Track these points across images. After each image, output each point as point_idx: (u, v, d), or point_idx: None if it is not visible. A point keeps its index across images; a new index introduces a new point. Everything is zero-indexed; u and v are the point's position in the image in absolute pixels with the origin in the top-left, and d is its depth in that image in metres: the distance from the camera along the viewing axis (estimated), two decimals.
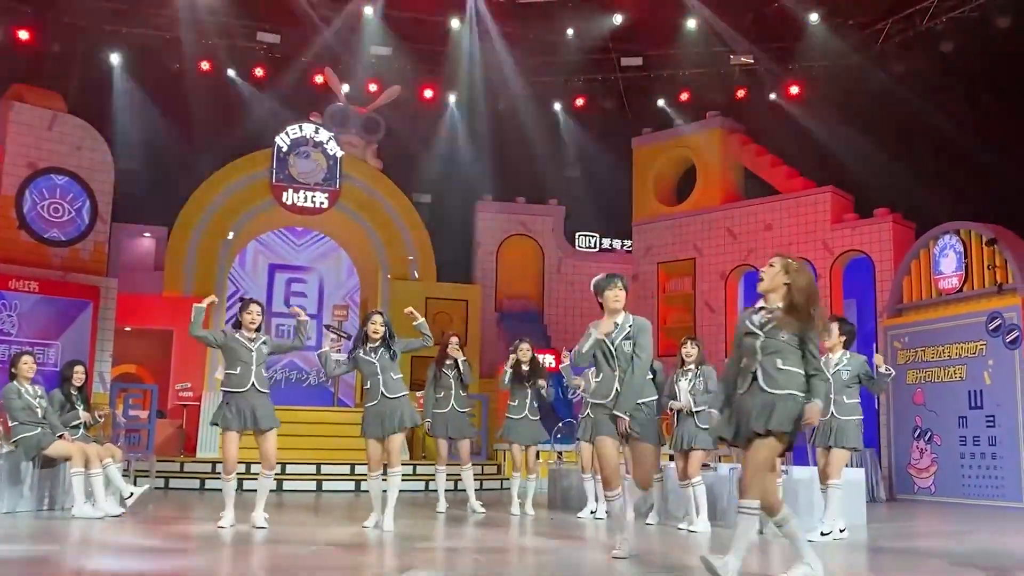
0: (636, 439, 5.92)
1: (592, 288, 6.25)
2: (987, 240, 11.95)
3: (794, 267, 5.10)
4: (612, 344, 5.96)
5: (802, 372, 4.93)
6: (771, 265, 5.15)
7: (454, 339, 9.79)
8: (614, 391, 5.89)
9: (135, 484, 10.50)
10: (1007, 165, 12.49)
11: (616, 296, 6.02)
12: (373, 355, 7.76)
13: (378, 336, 7.81)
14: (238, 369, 7.48)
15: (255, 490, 7.63)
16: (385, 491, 7.75)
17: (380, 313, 8.01)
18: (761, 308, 5.11)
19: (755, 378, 4.93)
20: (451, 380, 9.57)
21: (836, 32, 16.10)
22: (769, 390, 4.88)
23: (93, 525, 7.54)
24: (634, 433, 5.88)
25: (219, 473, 7.73)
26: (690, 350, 8.12)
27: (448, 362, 9.62)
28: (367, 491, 12.22)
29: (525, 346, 9.50)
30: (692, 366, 8.08)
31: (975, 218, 12.35)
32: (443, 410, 9.52)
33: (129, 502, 8.28)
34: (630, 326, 5.99)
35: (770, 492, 4.86)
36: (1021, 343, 11.33)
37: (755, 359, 4.95)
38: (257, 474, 7.72)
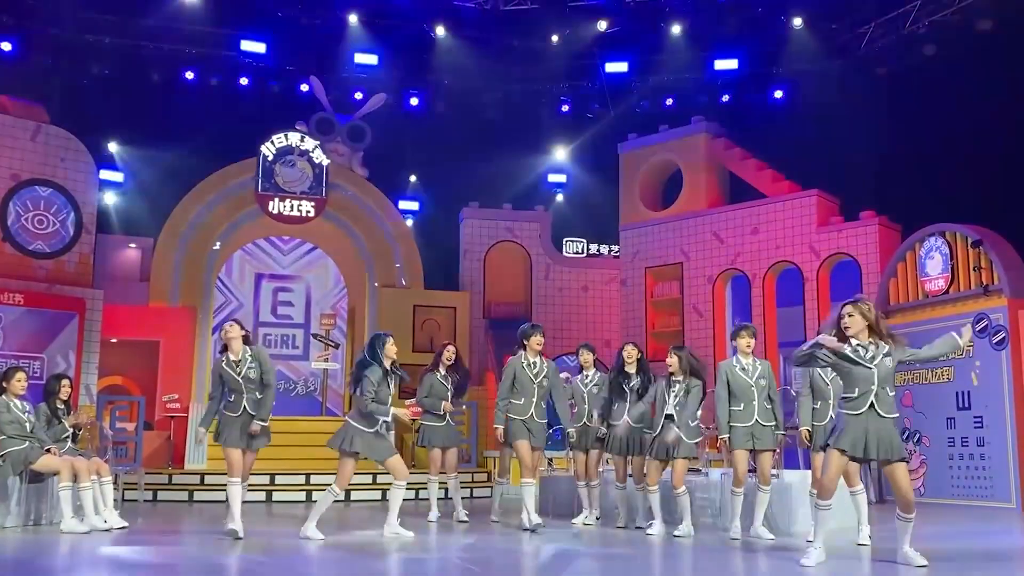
0: (535, 446, 8.31)
1: (519, 333, 8.44)
2: (973, 242, 12.00)
3: (865, 308, 6.08)
4: (535, 378, 8.26)
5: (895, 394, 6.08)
6: (850, 315, 6.08)
7: (451, 348, 9.75)
8: (531, 413, 8.25)
9: (123, 498, 10.48)
10: (992, 166, 12.58)
11: (539, 342, 8.36)
12: (391, 380, 7.75)
13: (394, 357, 7.82)
14: (232, 397, 7.55)
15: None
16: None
17: (391, 335, 8.03)
18: (858, 345, 6.05)
19: (873, 405, 5.96)
20: (447, 391, 9.53)
21: (819, 37, 16.22)
22: (885, 415, 5.95)
23: (82, 540, 7.48)
24: (534, 441, 8.29)
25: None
26: (670, 359, 8.15)
27: (443, 372, 9.59)
28: (357, 501, 12.28)
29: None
30: (680, 377, 8.09)
31: (960, 220, 12.40)
32: (439, 423, 9.49)
33: (102, 524, 8.13)
34: (546, 366, 8.40)
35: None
36: (1007, 344, 11.39)
37: (871, 388, 5.97)
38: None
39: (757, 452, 7.81)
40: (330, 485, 7.65)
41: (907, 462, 6.06)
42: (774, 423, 7.83)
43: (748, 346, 7.91)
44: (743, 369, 7.85)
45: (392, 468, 7.72)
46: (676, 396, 7.99)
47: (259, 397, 7.53)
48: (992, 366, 11.54)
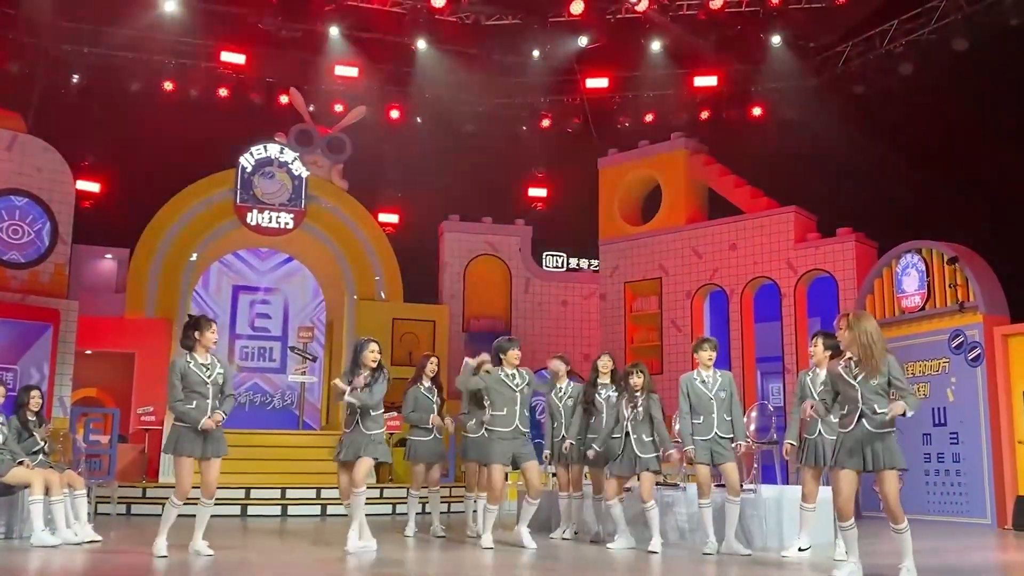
0: (528, 458, 8.07)
1: (495, 347, 8.25)
2: (948, 259, 12.10)
3: (853, 320, 6.16)
4: (516, 389, 8.07)
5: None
6: (839, 329, 6.23)
7: (433, 360, 9.64)
8: (515, 424, 8.06)
9: (96, 512, 10.36)
10: (967, 184, 12.70)
11: (517, 355, 8.20)
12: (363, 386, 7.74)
13: (374, 364, 7.79)
14: (194, 403, 7.13)
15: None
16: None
17: (376, 341, 7.97)
18: (849, 358, 6.15)
19: (860, 420, 6.02)
20: (432, 405, 9.44)
21: (797, 55, 16.36)
22: (873, 429, 5.98)
23: (53, 554, 7.37)
24: (527, 455, 8.09)
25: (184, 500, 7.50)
26: (635, 379, 8.15)
27: (427, 384, 9.49)
28: (334, 515, 12.18)
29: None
30: (640, 393, 8.10)
31: (936, 237, 12.51)
32: (427, 437, 9.39)
33: (74, 538, 8.02)
34: (526, 374, 8.22)
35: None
36: (983, 360, 11.48)
37: (857, 407, 6.05)
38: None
39: (720, 465, 7.82)
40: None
41: (903, 470, 6.08)
42: (732, 435, 7.84)
43: (709, 359, 7.96)
44: (703, 382, 7.91)
45: (354, 472, 7.74)
46: (635, 412, 8.01)
47: (219, 406, 7.28)
48: (967, 383, 11.63)
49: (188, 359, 7.23)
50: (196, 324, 7.35)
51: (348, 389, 7.70)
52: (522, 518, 8.24)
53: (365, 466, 7.71)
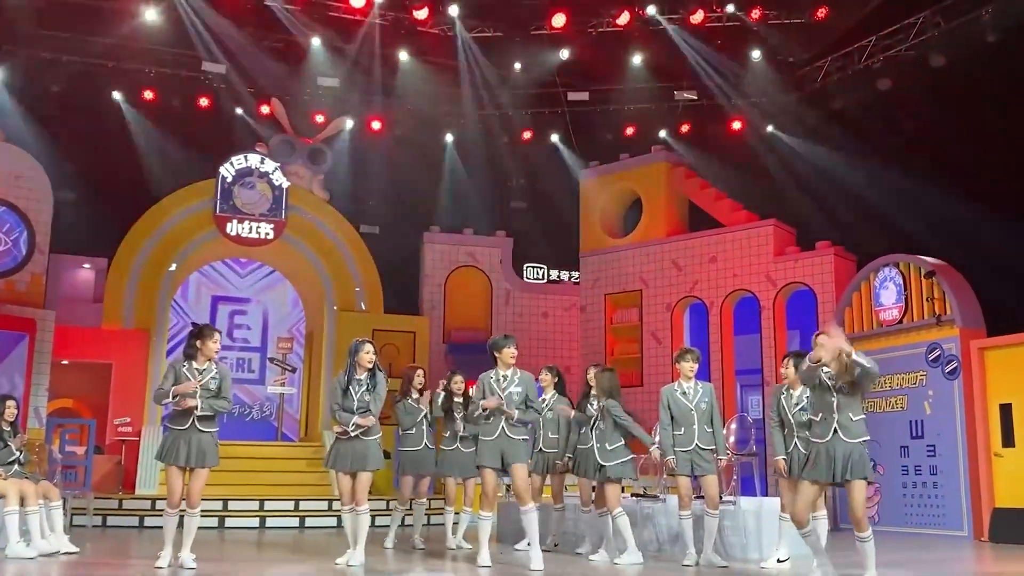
0: (515, 459, 7.37)
1: (489, 345, 7.63)
2: (926, 273, 12.21)
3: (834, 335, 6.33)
4: (503, 392, 7.40)
5: (864, 417, 6.26)
6: (819, 345, 6.35)
7: (420, 372, 9.57)
8: (500, 429, 7.37)
9: (71, 523, 10.25)
10: (944, 199, 12.81)
11: (512, 353, 7.54)
12: (356, 388, 7.51)
13: (370, 365, 7.56)
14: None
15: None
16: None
17: (371, 342, 7.72)
18: (827, 371, 6.27)
19: (836, 430, 6.16)
20: (422, 416, 9.38)
21: (777, 69, 16.49)
22: (848, 440, 6.13)
23: (28, 565, 7.27)
24: (516, 459, 7.39)
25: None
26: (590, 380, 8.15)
27: (417, 396, 9.42)
28: (313, 527, 12.12)
29: (458, 378, 9.46)
30: (604, 399, 8.05)
31: (914, 251, 12.63)
32: (416, 448, 9.33)
33: (48, 549, 7.92)
34: (518, 378, 7.49)
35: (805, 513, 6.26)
36: (959, 374, 11.57)
37: (833, 415, 6.19)
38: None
39: (700, 476, 7.80)
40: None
41: (869, 482, 6.19)
42: (713, 447, 7.83)
43: (691, 370, 7.93)
44: (683, 393, 7.87)
45: (355, 488, 7.49)
46: (599, 421, 7.99)
47: (210, 413, 7.21)
48: (944, 395, 11.71)
49: (185, 363, 7.18)
50: (199, 333, 7.26)
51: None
52: (531, 538, 7.43)
53: (366, 482, 7.49)
